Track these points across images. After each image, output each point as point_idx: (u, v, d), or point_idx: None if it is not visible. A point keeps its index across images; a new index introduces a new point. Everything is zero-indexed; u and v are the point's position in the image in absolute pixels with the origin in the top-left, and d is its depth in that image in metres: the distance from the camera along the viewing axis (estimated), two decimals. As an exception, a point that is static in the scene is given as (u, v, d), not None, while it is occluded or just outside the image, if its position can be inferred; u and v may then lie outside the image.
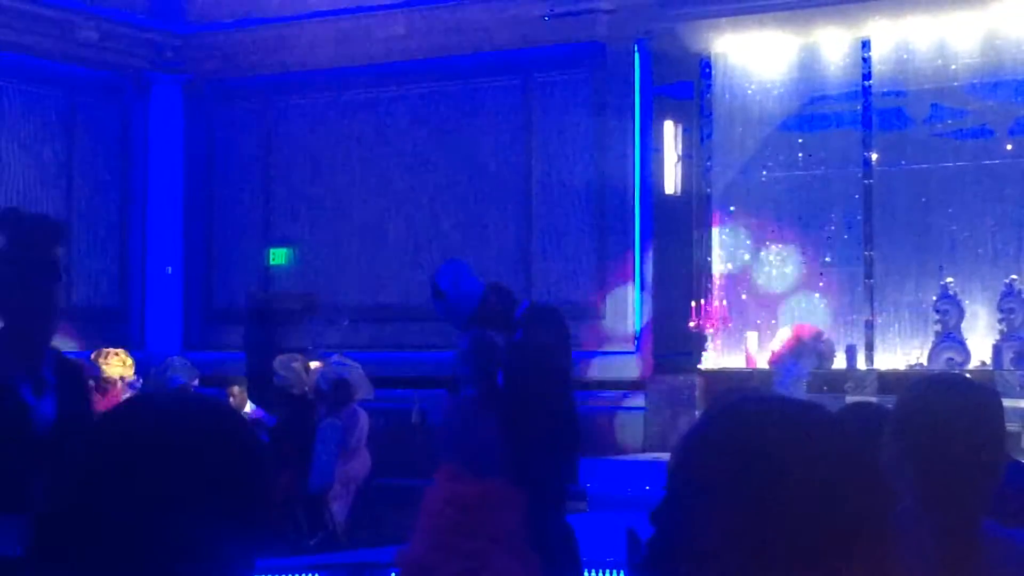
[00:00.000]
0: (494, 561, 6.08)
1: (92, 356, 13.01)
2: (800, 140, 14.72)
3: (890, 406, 3.11)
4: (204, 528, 1.60)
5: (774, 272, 14.74)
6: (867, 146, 14.37)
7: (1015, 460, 5.38)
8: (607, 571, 9.89)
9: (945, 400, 2.94)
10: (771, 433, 1.56)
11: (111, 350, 12.77)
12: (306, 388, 13.08)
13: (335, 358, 13.22)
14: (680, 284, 14.84)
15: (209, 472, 1.64)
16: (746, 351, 14.23)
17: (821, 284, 14.48)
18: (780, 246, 14.74)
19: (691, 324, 14.59)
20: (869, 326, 14.19)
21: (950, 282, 13.55)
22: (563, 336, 8.02)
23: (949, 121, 14.20)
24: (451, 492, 6.07)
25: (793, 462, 1.53)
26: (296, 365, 13.16)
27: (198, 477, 1.62)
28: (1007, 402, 6.93)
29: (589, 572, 9.61)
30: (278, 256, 17.51)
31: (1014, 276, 13.44)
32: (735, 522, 1.52)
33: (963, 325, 13.39)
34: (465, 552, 6.05)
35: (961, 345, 13.20)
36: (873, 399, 12.28)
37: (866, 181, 14.35)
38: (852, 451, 1.58)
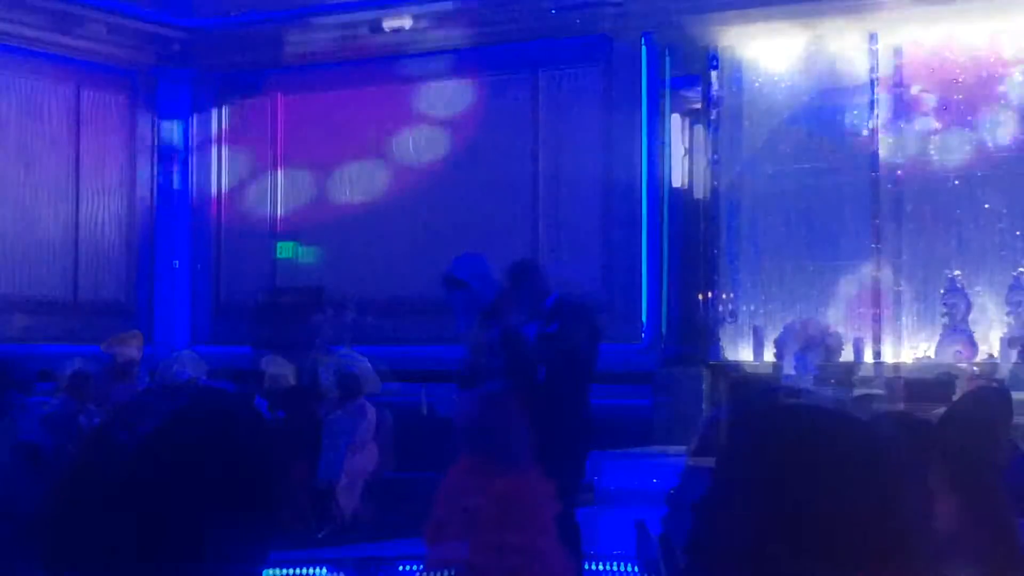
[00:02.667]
0: (545, 553, 6.02)
1: (108, 342, 13.09)
2: (808, 134, 14.69)
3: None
4: (216, 523, 1.60)
5: (782, 265, 14.73)
6: (874, 140, 14.34)
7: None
8: (614, 564, 9.90)
9: (982, 414, 2.97)
10: (798, 430, 1.57)
11: (126, 334, 12.94)
12: (292, 387, 13.12)
13: (342, 352, 13.26)
14: (688, 278, 14.83)
15: (221, 468, 1.64)
16: (754, 344, 14.22)
17: (828, 277, 14.46)
18: (788, 239, 14.72)
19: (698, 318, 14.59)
20: (876, 319, 14.17)
21: (957, 275, 13.54)
22: (597, 336, 8.08)
23: (957, 115, 14.17)
24: (491, 487, 5.96)
25: (813, 459, 1.55)
26: (281, 372, 13.21)
27: (210, 472, 1.62)
28: (1016, 395, 6.92)
29: (597, 565, 9.63)
30: (285, 250, 17.53)
31: (1022, 269, 13.43)
32: (781, 519, 1.53)
33: (970, 318, 13.38)
34: (515, 547, 5.94)
35: (968, 338, 13.19)
36: (880, 392, 12.26)
37: (873, 175, 14.33)
38: (895, 456, 1.59)
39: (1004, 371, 12.52)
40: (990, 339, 13.39)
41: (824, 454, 1.58)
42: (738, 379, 13.33)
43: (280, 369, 13.23)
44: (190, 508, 1.60)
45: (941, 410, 3.77)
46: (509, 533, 5.88)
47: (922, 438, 3.02)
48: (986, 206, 13.93)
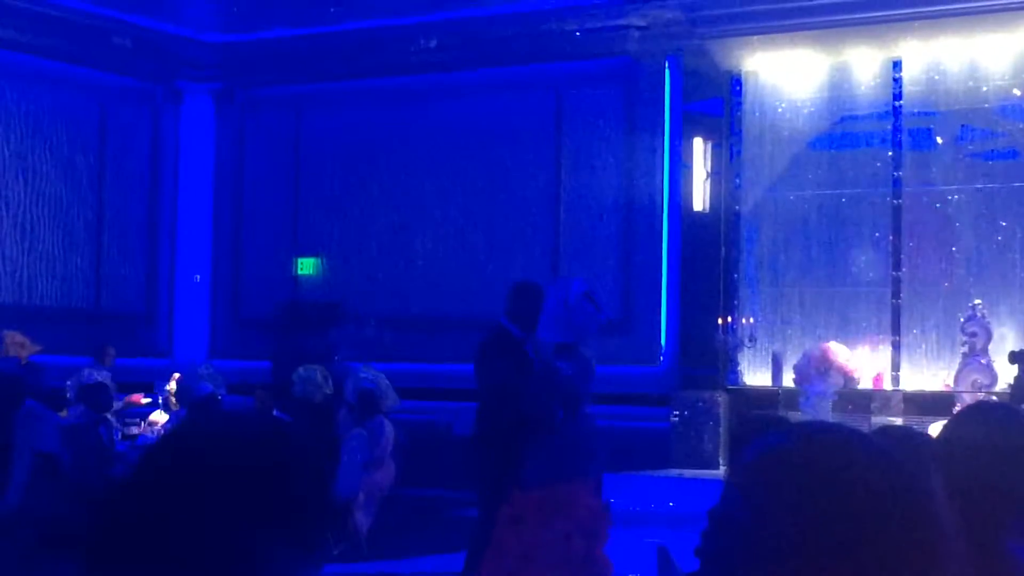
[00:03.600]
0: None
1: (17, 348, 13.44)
2: (829, 159, 14.71)
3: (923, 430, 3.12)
4: (262, 550, 1.61)
5: (802, 289, 14.73)
6: (896, 166, 14.35)
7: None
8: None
9: (985, 428, 2.95)
10: (851, 461, 1.60)
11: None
12: (327, 395, 13.14)
13: (361, 368, 13.27)
14: (707, 301, 14.83)
15: (267, 495, 1.64)
16: (772, 369, 14.22)
17: (848, 303, 14.45)
18: (807, 264, 14.72)
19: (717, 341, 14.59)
20: (896, 346, 14.15)
21: (978, 304, 13.51)
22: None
23: (979, 142, 14.17)
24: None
25: (871, 492, 1.57)
26: (316, 375, 13.22)
27: (255, 500, 1.63)
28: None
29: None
30: (306, 265, 17.58)
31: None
32: (791, 533, 1.55)
33: (990, 347, 13.34)
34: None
35: (988, 367, 13.16)
36: (899, 420, 12.25)
37: (895, 201, 14.34)
38: (913, 482, 1.61)
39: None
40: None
41: (836, 469, 1.60)
42: (755, 404, 13.34)
43: (314, 376, 13.24)
44: (228, 539, 1.61)
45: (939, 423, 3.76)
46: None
47: (922, 453, 3.02)
48: (1007, 233, 13.91)
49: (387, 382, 12.91)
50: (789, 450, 1.62)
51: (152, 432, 13.57)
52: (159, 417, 14.29)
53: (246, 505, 1.62)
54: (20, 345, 13.82)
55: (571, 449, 6.36)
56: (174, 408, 14.05)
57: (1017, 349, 12.73)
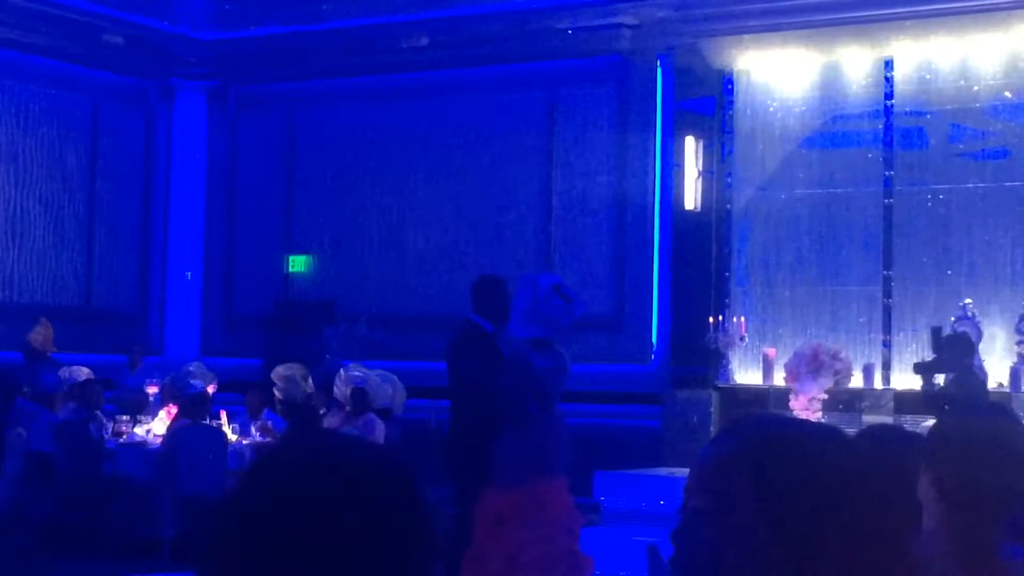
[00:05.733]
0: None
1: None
2: (820, 158, 14.72)
3: (910, 428, 3.13)
4: None
5: (793, 288, 14.74)
6: (888, 165, 14.36)
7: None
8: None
9: (974, 428, 2.96)
10: (798, 455, 1.60)
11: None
12: (308, 394, 13.14)
13: (351, 367, 13.27)
14: (698, 299, 14.85)
15: (380, 524, 1.59)
16: (763, 368, 14.23)
17: (839, 302, 14.47)
18: (799, 263, 14.74)
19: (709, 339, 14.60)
20: (887, 345, 14.17)
21: (968, 303, 13.52)
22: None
23: (970, 142, 14.19)
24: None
25: (819, 485, 1.57)
26: (295, 374, 13.22)
27: (366, 529, 1.58)
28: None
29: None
30: (298, 264, 17.56)
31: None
32: (759, 543, 1.55)
33: (981, 347, 13.34)
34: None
35: (979, 367, 13.16)
36: (889, 419, 12.26)
37: (886, 200, 14.35)
38: (874, 475, 1.62)
39: (1013, 400, 12.48)
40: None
41: (807, 464, 1.61)
42: (746, 403, 13.35)
43: (294, 376, 13.23)
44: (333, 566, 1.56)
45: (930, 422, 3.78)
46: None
47: (913, 452, 3.03)
48: (998, 233, 13.93)
49: (378, 380, 12.92)
50: (741, 452, 1.63)
51: (143, 430, 13.54)
52: (148, 415, 14.26)
53: (342, 537, 1.56)
54: (48, 337, 13.98)
55: (543, 446, 6.35)
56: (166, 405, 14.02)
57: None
